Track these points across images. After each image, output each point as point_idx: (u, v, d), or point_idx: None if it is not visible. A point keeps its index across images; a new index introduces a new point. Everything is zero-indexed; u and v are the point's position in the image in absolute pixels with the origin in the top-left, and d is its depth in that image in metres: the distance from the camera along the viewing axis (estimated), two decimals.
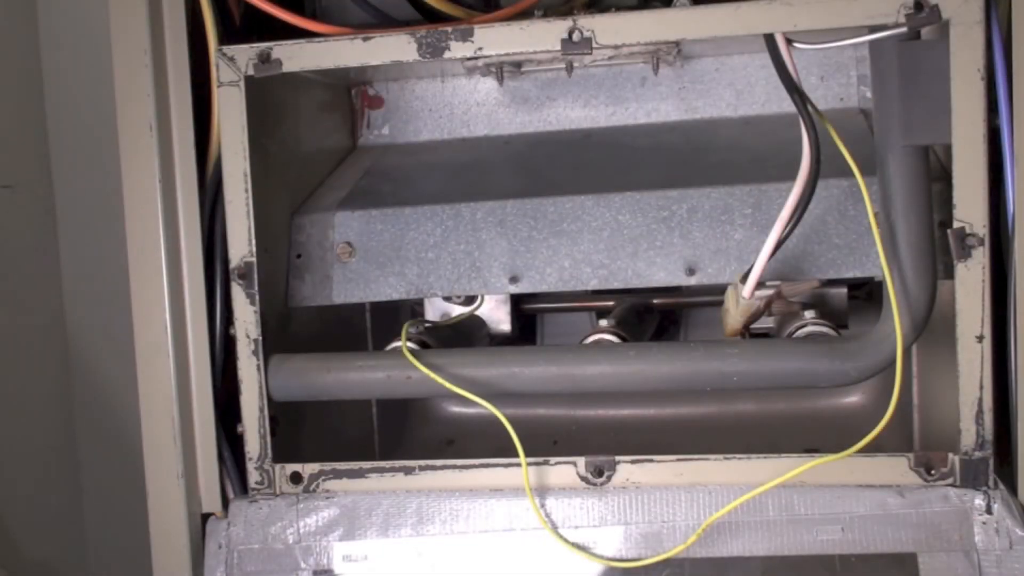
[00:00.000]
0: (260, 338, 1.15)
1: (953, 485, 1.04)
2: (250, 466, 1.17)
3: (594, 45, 1.06)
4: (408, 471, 1.14)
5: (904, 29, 1.00)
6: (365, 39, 1.11)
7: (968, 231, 1.01)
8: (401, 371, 1.12)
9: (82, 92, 1.74)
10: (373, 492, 1.14)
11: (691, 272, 1.16)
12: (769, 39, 1.04)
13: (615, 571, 1.09)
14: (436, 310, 1.39)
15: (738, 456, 1.08)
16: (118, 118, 1.15)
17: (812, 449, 1.19)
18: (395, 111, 1.45)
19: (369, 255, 1.23)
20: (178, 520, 1.17)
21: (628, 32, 1.06)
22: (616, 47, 1.08)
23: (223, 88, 1.13)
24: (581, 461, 1.11)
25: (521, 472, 1.10)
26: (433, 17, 1.20)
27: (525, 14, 1.14)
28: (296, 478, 1.16)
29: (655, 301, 1.42)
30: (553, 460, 1.11)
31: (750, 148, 1.27)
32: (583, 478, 1.11)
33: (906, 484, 1.05)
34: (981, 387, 1.02)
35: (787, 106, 1.14)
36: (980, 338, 1.02)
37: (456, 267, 1.20)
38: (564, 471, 1.11)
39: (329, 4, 1.33)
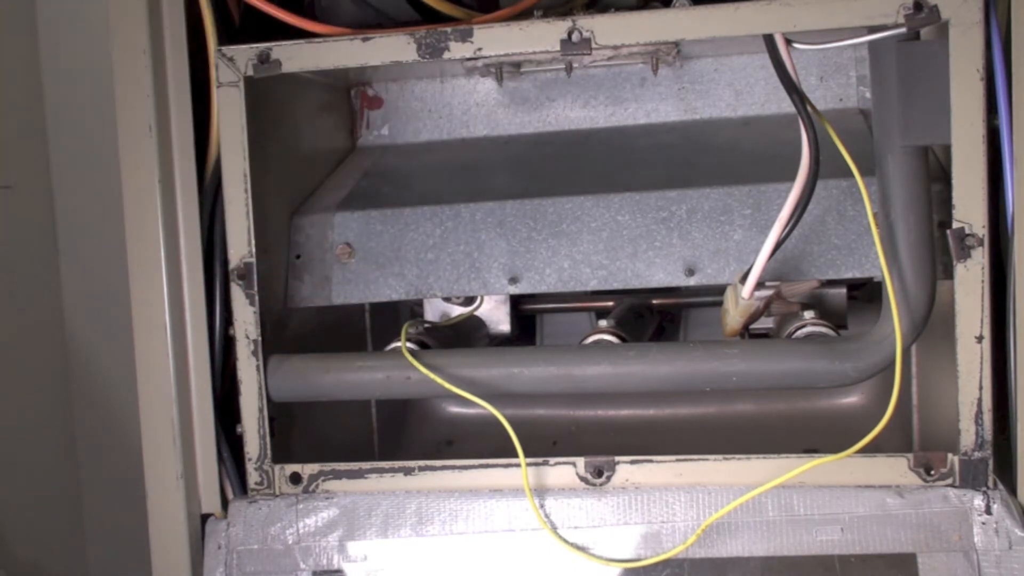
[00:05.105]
0: (259, 338, 1.15)
1: (952, 485, 1.04)
2: (249, 466, 1.17)
3: (593, 45, 1.06)
4: (408, 472, 1.14)
5: (903, 29, 1.00)
6: (365, 39, 1.11)
7: (967, 231, 1.01)
8: (400, 371, 1.13)
9: (82, 92, 1.74)
10: (373, 493, 1.14)
11: (690, 272, 1.16)
12: (768, 39, 1.04)
13: (615, 571, 1.09)
14: (435, 310, 1.39)
15: (737, 456, 1.08)
16: (117, 118, 1.15)
17: (811, 449, 1.19)
18: (394, 112, 1.45)
19: (368, 256, 1.23)
20: (178, 520, 1.17)
21: (627, 32, 1.06)
22: (615, 47, 1.08)
23: (222, 88, 1.13)
24: (580, 461, 1.11)
25: (520, 473, 1.10)
26: (433, 17, 1.20)
27: (525, 14, 1.14)
28: (296, 479, 1.16)
29: (654, 301, 1.42)
30: (552, 461, 1.11)
31: (749, 148, 1.27)
32: (582, 479, 1.11)
33: (905, 484, 1.05)
34: (981, 387, 1.02)
35: (786, 106, 1.15)
36: (980, 338, 1.02)
37: (455, 268, 1.20)
38: (563, 472, 1.11)
39: (329, 4, 1.33)
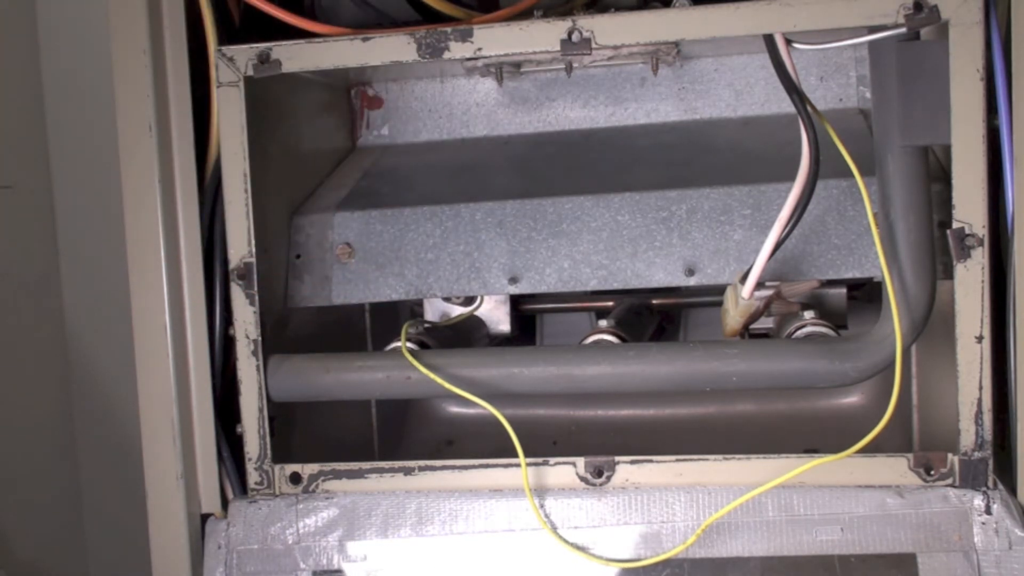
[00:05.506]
0: (259, 338, 1.15)
1: (952, 485, 1.04)
2: (249, 466, 1.17)
3: (593, 45, 1.06)
4: (408, 471, 1.14)
5: (903, 29, 1.00)
6: (365, 39, 1.11)
7: (967, 231, 1.01)
8: (400, 371, 1.13)
9: (82, 92, 1.75)
10: (373, 492, 1.14)
11: (690, 272, 1.16)
12: (768, 39, 1.04)
13: (615, 571, 1.09)
14: (435, 310, 1.39)
15: (737, 456, 1.08)
16: (117, 118, 1.15)
17: (812, 449, 1.19)
18: (394, 111, 1.45)
19: (368, 256, 1.23)
20: (178, 520, 1.17)
21: (627, 32, 1.06)
22: (615, 47, 1.08)
23: (222, 88, 1.13)
24: (580, 461, 1.11)
25: (520, 472, 1.10)
26: (433, 17, 1.20)
27: (525, 14, 1.14)
28: (295, 478, 1.16)
29: (654, 301, 1.42)
30: (552, 460, 1.11)
31: (749, 148, 1.27)
32: (582, 478, 1.11)
33: (905, 484, 1.05)
34: (980, 387, 1.02)
35: (786, 106, 1.14)
36: (980, 338, 1.02)
37: (455, 268, 1.20)
38: (563, 471, 1.11)
39: (329, 4, 1.33)
